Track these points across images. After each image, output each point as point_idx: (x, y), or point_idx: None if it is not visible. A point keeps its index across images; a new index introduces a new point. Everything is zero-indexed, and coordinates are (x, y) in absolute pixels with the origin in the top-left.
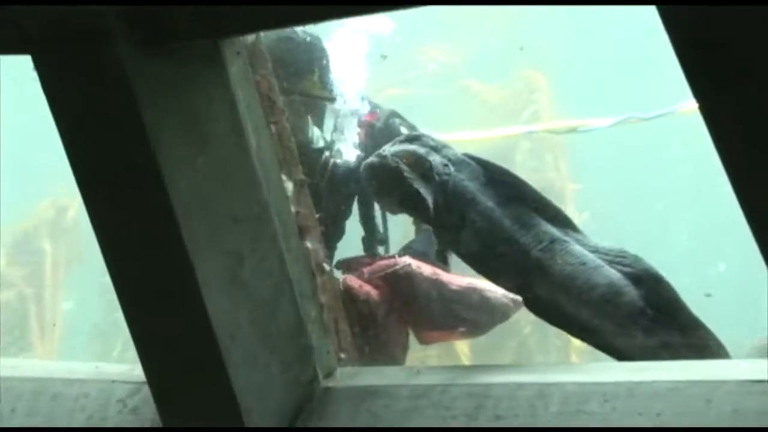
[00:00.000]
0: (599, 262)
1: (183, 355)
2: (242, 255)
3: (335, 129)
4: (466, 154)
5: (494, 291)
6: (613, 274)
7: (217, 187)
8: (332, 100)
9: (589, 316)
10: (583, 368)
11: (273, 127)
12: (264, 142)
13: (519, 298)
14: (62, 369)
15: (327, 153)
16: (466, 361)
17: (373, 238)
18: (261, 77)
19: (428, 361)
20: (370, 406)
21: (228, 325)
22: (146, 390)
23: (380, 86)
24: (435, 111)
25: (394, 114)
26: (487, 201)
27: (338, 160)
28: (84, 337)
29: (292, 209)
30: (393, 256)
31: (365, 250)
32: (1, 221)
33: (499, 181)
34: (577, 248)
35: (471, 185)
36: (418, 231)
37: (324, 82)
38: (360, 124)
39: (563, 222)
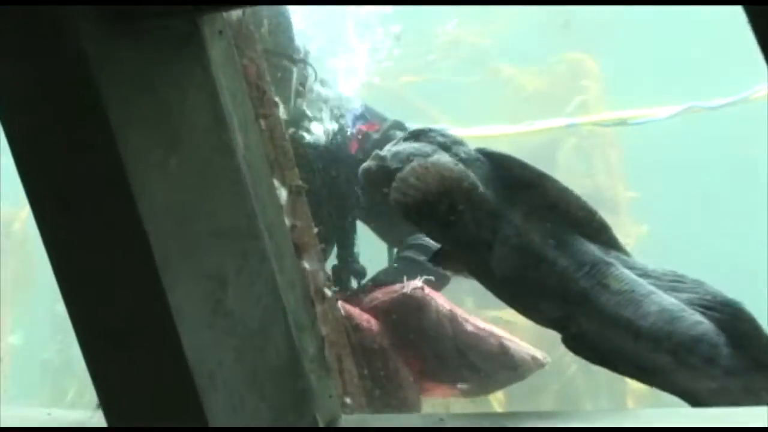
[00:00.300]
0: (652, 288)
1: (153, 400)
2: (225, 278)
3: (298, 95)
4: (481, 150)
5: (516, 342)
6: (672, 303)
7: (196, 195)
8: (293, 61)
9: (645, 352)
10: (640, 414)
11: (263, 122)
12: (252, 140)
13: (542, 358)
14: (8, 416)
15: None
16: (498, 407)
17: (348, 267)
18: (249, 61)
19: (453, 407)
20: None
21: (208, 363)
22: None
23: (393, 72)
24: (459, 101)
25: (397, 125)
26: (513, 212)
27: (305, 135)
28: (33, 377)
29: (287, 222)
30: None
31: (336, 284)
32: None
33: (527, 184)
34: (626, 272)
35: (489, 192)
36: (392, 260)
37: (279, 40)
38: (354, 134)
39: (607, 240)
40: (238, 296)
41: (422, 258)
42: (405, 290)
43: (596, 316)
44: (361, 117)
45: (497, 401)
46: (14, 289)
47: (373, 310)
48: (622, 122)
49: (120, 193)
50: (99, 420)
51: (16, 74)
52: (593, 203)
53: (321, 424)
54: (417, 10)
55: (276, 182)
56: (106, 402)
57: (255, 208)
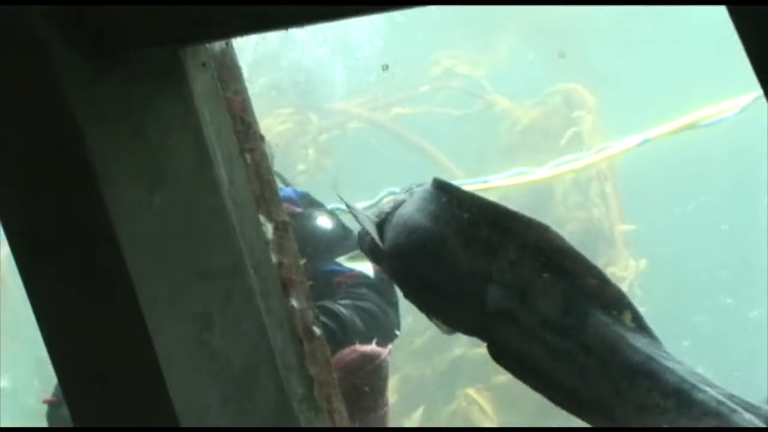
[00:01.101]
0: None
1: None
2: (211, 318)
3: None
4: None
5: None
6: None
7: (180, 234)
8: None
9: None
10: None
11: (248, 156)
12: (237, 175)
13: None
14: None
15: None
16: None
17: None
18: (233, 94)
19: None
20: None
21: (194, 407)
22: None
23: (383, 104)
24: (453, 134)
25: (317, 204)
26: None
27: None
28: (14, 423)
29: (273, 259)
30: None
31: None
32: None
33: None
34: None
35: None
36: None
37: None
38: None
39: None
40: (224, 336)
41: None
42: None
43: None
44: (287, 199)
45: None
46: None
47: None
48: (693, 126)
49: (103, 234)
50: None
51: None
52: (590, 237)
53: None
54: (409, 41)
55: (262, 218)
56: None
57: (241, 245)
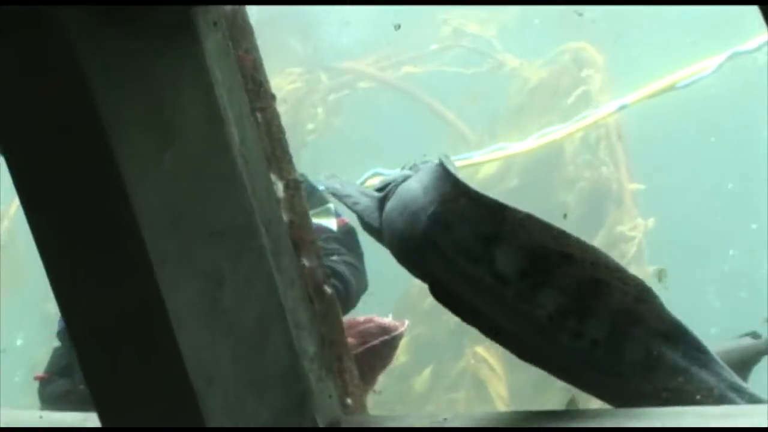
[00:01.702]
0: None
1: (150, 403)
2: (222, 276)
3: None
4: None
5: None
6: None
7: (191, 192)
8: None
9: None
10: (649, 413)
11: (259, 115)
12: (249, 134)
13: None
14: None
15: None
16: (501, 405)
17: None
18: (244, 53)
19: (455, 406)
20: None
21: (205, 365)
22: None
23: (394, 63)
24: (463, 92)
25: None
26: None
27: None
28: (21, 378)
29: (284, 218)
30: None
31: None
32: None
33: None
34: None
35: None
36: None
37: None
38: None
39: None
40: (235, 295)
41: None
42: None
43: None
44: None
45: (500, 398)
46: (4, 290)
47: None
48: (671, 88)
49: (113, 191)
50: (92, 424)
51: (8, 74)
52: (599, 196)
53: (321, 425)
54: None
55: (273, 176)
56: (101, 405)
57: (252, 204)
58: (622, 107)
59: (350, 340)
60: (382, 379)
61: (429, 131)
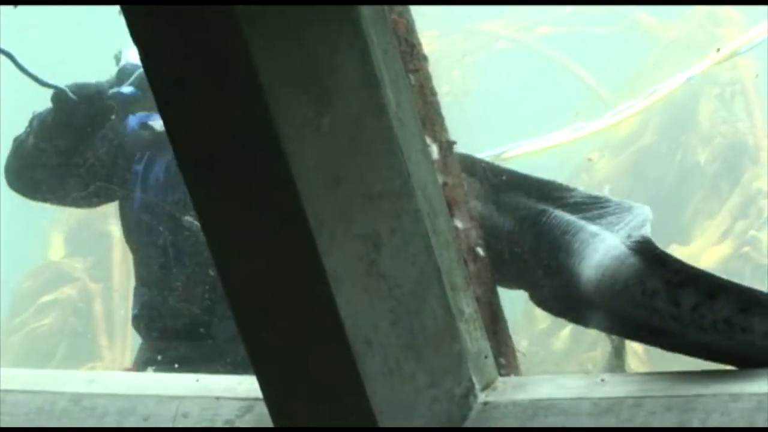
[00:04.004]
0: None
1: (308, 365)
2: (379, 239)
3: None
4: None
5: None
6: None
7: (348, 155)
8: None
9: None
10: None
11: (412, 77)
12: (404, 96)
13: None
14: (155, 383)
15: None
16: (637, 362)
17: None
18: (398, 16)
19: (590, 364)
20: (542, 426)
21: (364, 327)
22: (259, 408)
23: (528, 24)
24: (598, 53)
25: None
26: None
27: None
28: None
29: (439, 179)
30: None
31: None
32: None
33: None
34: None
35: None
36: None
37: None
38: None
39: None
40: (392, 257)
41: None
42: None
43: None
44: None
45: (636, 356)
46: None
47: None
48: (734, 54)
49: (271, 153)
50: (247, 387)
51: (161, 30)
52: (735, 152)
53: (478, 386)
54: None
55: (427, 138)
56: (259, 368)
57: (408, 166)
58: (690, 79)
59: None
60: (523, 343)
61: (565, 92)
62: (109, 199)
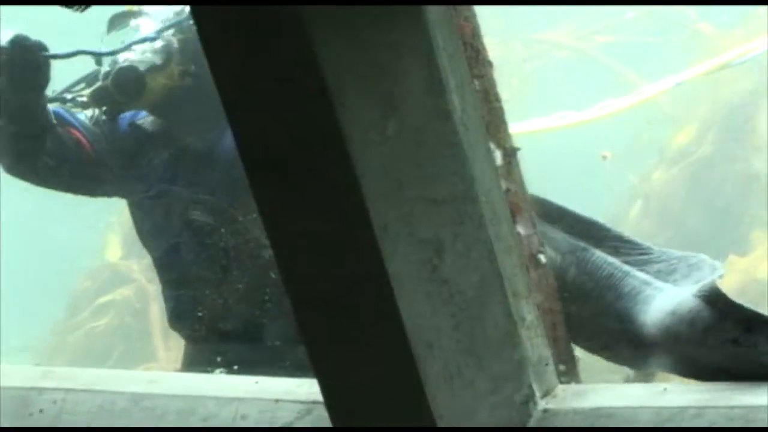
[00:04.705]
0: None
1: (369, 369)
2: (442, 244)
3: None
4: None
5: None
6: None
7: (412, 159)
8: None
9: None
10: None
11: (477, 83)
12: (468, 102)
13: None
14: (214, 385)
15: None
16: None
17: None
18: (464, 21)
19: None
20: None
21: (425, 332)
22: (318, 411)
23: (587, 32)
24: (656, 62)
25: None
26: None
27: None
28: None
29: (503, 185)
30: None
31: None
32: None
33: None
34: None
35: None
36: None
37: None
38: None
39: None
40: (454, 263)
41: None
42: None
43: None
44: None
45: None
46: None
47: None
48: (726, 66)
49: (337, 155)
50: (306, 390)
51: (228, 31)
52: None
53: (538, 394)
54: None
55: (491, 144)
56: (319, 371)
57: (472, 172)
58: (679, 84)
59: None
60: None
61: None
62: (108, 194)
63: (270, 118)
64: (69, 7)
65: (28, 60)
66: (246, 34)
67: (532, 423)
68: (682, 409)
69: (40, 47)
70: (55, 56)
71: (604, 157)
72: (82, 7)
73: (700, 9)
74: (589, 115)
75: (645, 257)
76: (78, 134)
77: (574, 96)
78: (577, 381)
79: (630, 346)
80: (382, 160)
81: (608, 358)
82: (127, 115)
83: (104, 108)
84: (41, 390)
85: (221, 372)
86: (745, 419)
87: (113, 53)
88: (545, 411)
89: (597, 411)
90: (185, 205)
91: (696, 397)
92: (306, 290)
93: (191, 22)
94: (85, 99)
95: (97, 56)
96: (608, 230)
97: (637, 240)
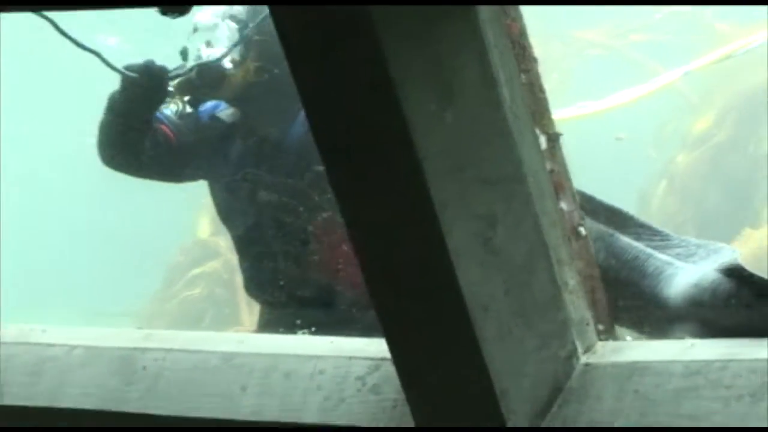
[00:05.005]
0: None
1: (431, 330)
2: (495, 219)
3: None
4: None
5: None
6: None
7: (468, 144)
8: None
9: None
10: None
11: (524, 76)
12: (516, 93)
13: None
14: (295, 344)
15: None
16: None
17: None
18: (512, 21)
19: None
20: (637, 386)
21: (481, 297)
22: (386, 367)
23: (621, 31)
24: (678, 56)
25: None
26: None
27: None
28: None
29: (547, 166)
30: None
31: None
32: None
33: None
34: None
35: None
36: None
37: None
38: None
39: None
40: (506, 235)
41: None
42: None
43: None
44: None
45: None
46: None
47: None
48: (729, 56)
49: (400, 141)
50: (376, 348)
51: (305, 30)
52: None
53: (580, 350)
54: None
55: (537, 130)
56: (388, 332)
57: (520, 155)
58: (687, 74)
59: None
60: None
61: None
62: (192, 179)
63: (341, 108)
64: (166, 14)
65: (155, 83)
66: (322, 33)
67: (575, 375)
68: (709, 363)
69: (164, 71)
70: (177, 75)
71: (619, 139)
72: (176, 13)
73: (715, 9)
74: (606, 104)
75: (665, 242)
76: (166, 129)
77: (606, 88)
78: (614, 339)
79: (656, 318)
80: (442, 145)
81: (638, 332)
82: (208, 108)
83: (187, 98)
84: (144, 350)
85: (302, 333)
86: (765, 371)
87: (218, 60)
88: (587, 365)
89: (633, 365)
90: (265, 187)
91: (721, 351)
92: (376, 261)
93: (268, 23)
94: (171, 89)
95: (214, 69)
96: (631, 217)
97: (657, 227)
